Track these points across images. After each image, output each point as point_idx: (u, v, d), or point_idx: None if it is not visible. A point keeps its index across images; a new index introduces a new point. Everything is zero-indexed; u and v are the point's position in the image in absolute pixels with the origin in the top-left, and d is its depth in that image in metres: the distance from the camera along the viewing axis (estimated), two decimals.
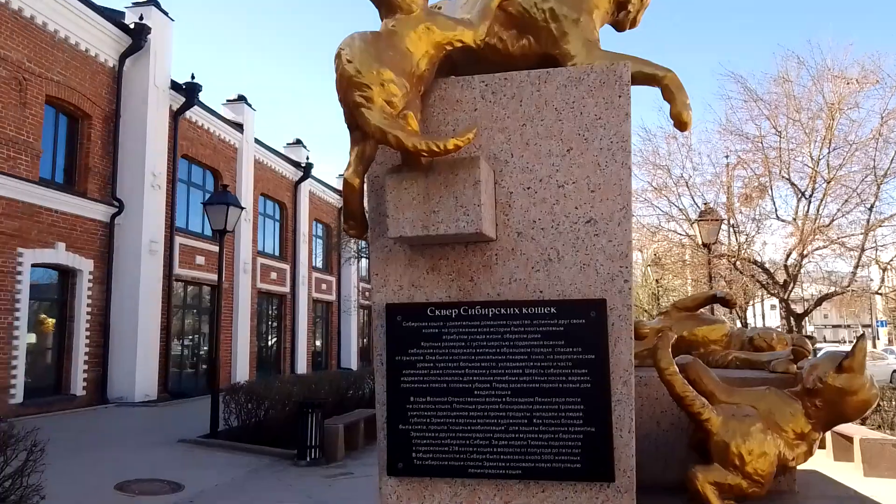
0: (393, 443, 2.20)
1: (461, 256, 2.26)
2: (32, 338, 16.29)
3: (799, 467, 2.48)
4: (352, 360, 31.12)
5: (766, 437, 2.18)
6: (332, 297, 31.86)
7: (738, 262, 17.46)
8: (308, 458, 11.88)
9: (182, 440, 13.25)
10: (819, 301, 16.90)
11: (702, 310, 3.32)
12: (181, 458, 11.94)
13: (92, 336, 17.40)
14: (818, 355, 2.61)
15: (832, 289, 17.30)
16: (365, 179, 2.12)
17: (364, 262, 29.55)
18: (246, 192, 23.31)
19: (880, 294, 17.14)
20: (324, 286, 30.81)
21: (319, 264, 31.04)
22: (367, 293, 32.35)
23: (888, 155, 16.15)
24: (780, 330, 3.35)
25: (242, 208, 14.04)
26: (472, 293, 2.24)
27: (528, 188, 2.23)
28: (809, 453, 2.38)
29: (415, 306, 2.22)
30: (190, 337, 21.86)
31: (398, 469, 2.19)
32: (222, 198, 13.26)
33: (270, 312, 26.59)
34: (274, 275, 25.82)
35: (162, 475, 10.74)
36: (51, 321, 16.87)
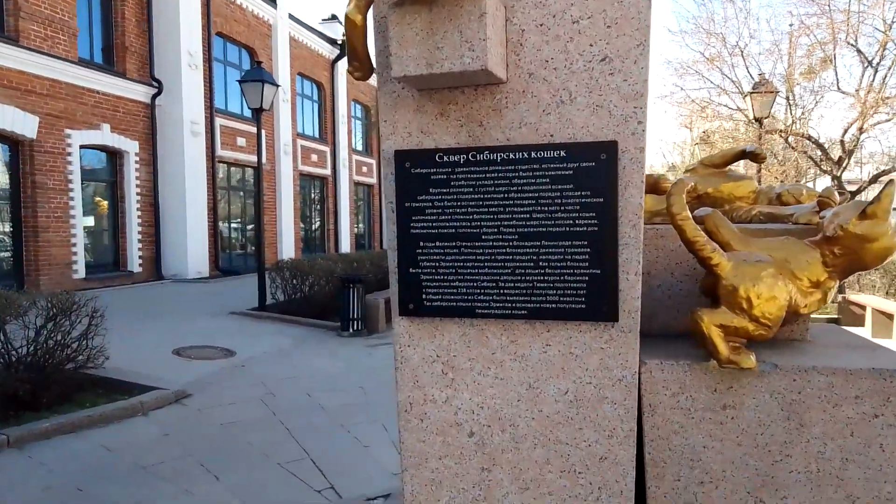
0: (404, 286, 2.26)
1: (470, 100, 2.20)
2: (89, 219, 16.98)
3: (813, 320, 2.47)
4: None
5: (776, 281, 2.15)
6: (373, 180, 31.99)
7: (790, 138, 16.67)
8: (350, 330, 12.51)
9: (233, 312, 14.02)
10: (875, 178, 16.16)
11: (730, 167, 3.20)
12: (232, 329, 12.69)
13: (143, 216, 18.06)
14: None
15: (891, 165, 16.47)
16: (370, 17, 2.04)
17: None
18: (283, 70, 22.99)
19: None
20: (364, 169, 30.88)
21: (359, 146, 30.95)
22: None
23: None
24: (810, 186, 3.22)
25: (278, 86, 13.91)
26: (481, 138, 2.20)
27: (541, 25, 2.12)
28: (823, 301, 2.35)
29: (423, 152, 2.20)
30: (237, 218, 22.47)
31: (409, 310, 2.27)
32: (257, 74, 13.14)
33: (313, 195, 26.97)
34: (315, 157, 25.95)
35: (215, 343, 11.49)
36: (104, 202, 17.50)
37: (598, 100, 2.11)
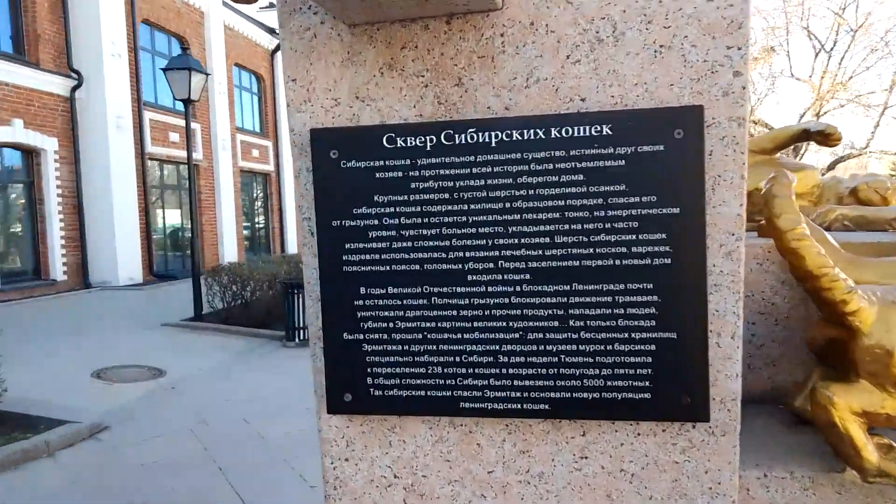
0: (335, 362, 1.32)
1: (439, 41, 1.27)
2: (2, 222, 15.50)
3: None
4: None
5: None
6: None
7: (751, 125, 16.34)
8: (297, 340, 11.52)
9: (166, 324, 12.87)
10: (833, 164, 15.92)
11: (781, 153, 2.37)
12: (164, 343, 11.54)
13: (66, 219, 16.61)
14: None
15: (848, 151, 16.27)
16: None
17: None
18: (217, 61, 21.63)
19: None
20: None
21: None
22: None
23: None
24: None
25: (207, 74, 12.68)
26: (460, 106, 1.27)
27: None
28: None
29: (362, 133, 1.27)
30: (175, 218, 21.16)
31: (345, 403, 1.33)
32: (183, 62, 11.89)
33: (256, 192, 25.73)
34: (256, 152, 24.69)
35: (143, 361, 10.33)
36: (21, 203, 16.00)
37: (662, 36, 1.21)
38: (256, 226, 25.66)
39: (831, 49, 16.39)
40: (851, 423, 1.31)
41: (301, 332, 11.46)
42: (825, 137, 2.18)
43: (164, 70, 12.13)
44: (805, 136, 2.24)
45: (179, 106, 18.73)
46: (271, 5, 25.98)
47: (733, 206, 1.22)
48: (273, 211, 25.88)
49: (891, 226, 1.97)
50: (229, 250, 21.79)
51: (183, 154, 19.39)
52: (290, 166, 26.27)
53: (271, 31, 25.18)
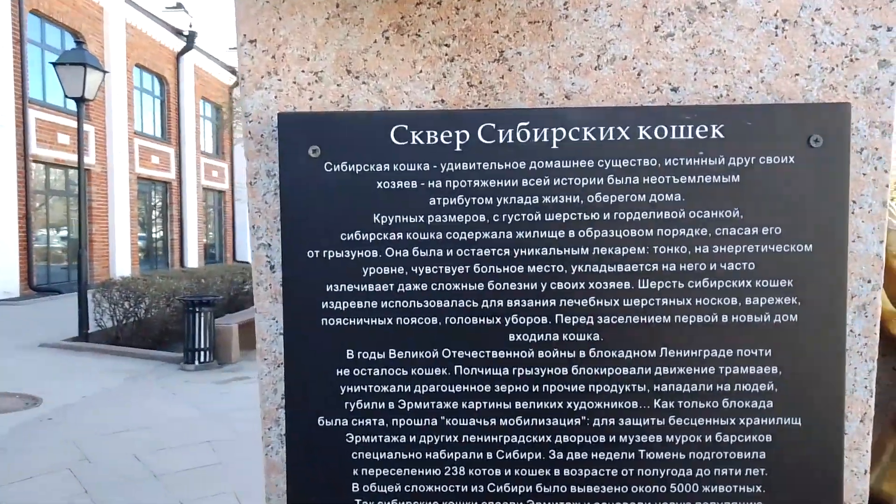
0: (304, 459, 0.88)
1: None
2: None
3: None
4: (248, 254, 29.30)
5: None
6: (226, 186, 29.60)
7: None
8: (197, 363, 10.64)
9: (44, 344, 11.62)
10: None
11: None
12: (42, 366, 10.35)
13: None
14: None
15: None
16: None
17: None
18: (116, 59, 20.26)
19: None
20: (215, 173, 28.44)
21: (209, 149, 28.50)
22: None
23: None
24: None
25: (105, 72, 11.65)
26: (500, 91, 0.89)
27: None
28: None
29: (359, 121, 0.85)
30: (62, 227, 19.47)
31: None
32: (78, 56, 10.84)
33: (154, 201, 24.23)
34: (156, 159, 23.25)
35: (14, 387, 9.17)
36: None
37: (786, 6, 0.88)
38: (154, 237, 24.12)
39: None
40: None
41: (203, 353, 10.62)
42: None
43: (55, 64, 11.00)
44: None
45: (71, 105, 17.29)
46: (179, 5, 24.74)
47: (871, 242, 0.89)
48: (172, 221, 24.40)
49: None
50: (122, 263, 20.27)
51: (73, 157, 17.87)
52: (192, 175, 25.00)
53: (178, 32, 23.93)
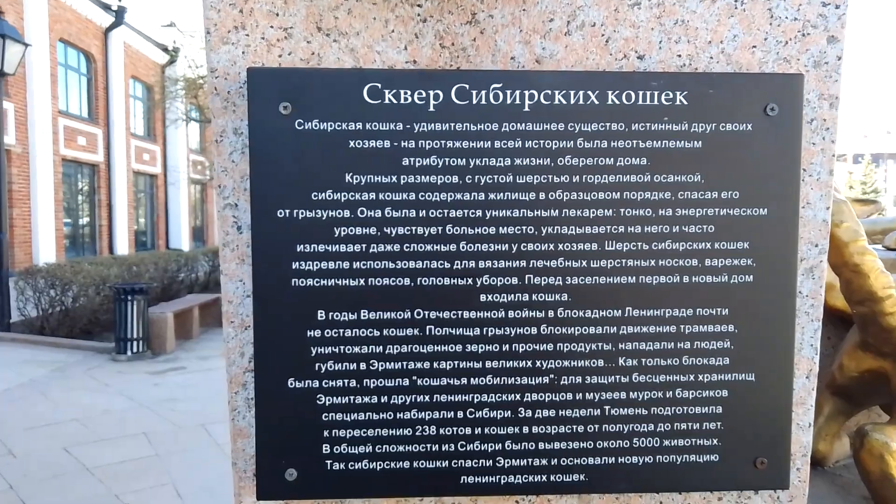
0: (273, 422, 0.87)
1: None
2: None
3: None
4: (182, 241, 28.40)
5: None
6: (158, 169, 28.53)
7: None
8: (129, 353, 10.29)
9: None
10: None
11: None
12: None
13: None
14: None
15: None
16: None
17: (194, 127, 26.30)
18: (37, 33, 19.15)
19: None
20: (146, 156, 27.36)
21: (140, 131, 27.37)
22: (199, 166, 29.24)
23: None
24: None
25: (26, 45, 11.01)
26: (472, 53, 0.89)
27: None
28: None
29: (333, 78, 0.84)
30: None
31: (287, 484, 0.88)
32: None
33: (81, 184, 23.10)
34: (83, 140, 22.15)
35: None
36: None
37: None
38: (80, 223, 23.01)
39: None
40: None
41: (135, 343, 10.26)
42: None
43: None
44: None
45: None
46: None
47: (819, 209, 0.95)
48: (101, 206, 23.34)
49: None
50: (46, 249, 19.27)
51: None
52: (121, 158, 23.94)
53: (105, 6, 22.79)
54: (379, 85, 0.85)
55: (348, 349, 0.87)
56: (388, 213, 0.86)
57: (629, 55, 0.92)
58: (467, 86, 0.86)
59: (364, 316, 0.87)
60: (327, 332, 0.86)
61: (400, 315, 0.87)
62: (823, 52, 0.93)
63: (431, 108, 0.85)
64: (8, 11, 17.97)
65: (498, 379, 0.89)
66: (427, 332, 0.87)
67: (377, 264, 0.86)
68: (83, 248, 22.48)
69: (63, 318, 11.30)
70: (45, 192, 19.77)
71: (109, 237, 23.77)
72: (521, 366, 0.89)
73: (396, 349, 0.87)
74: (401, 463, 0.89)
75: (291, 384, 0.87)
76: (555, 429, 0.90)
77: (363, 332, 0.87)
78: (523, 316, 0.88)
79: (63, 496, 5.56)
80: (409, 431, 0.88)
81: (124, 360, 10.28)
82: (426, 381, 0.88)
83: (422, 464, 0.89)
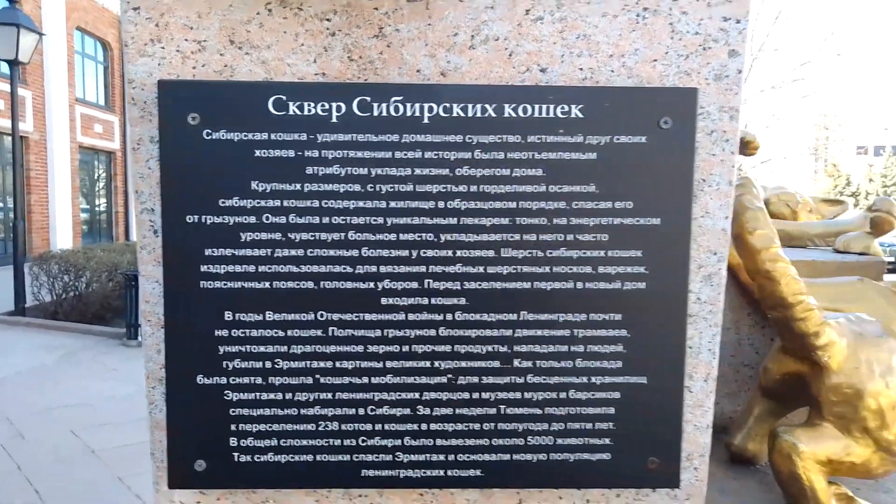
0: (184, 416, 0.92)
1: None
2: None
3: None
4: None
5: None
6: None
7: None
8: (140, 338, 10.44)
9: None
10: None
11: None
12: None
13: None
14: None
15: None
16: None
17: None
18: (54, 21, 19.36)
19: (740, 169, 17.67)
20: None
21: None
22: None
23: (764, 29, 16.18)
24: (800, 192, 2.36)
25: (41, 34, 11.15)
26: (380, 66, 0.93)
27: None
28: None
29: (238, 90, 0.88)
30: None
31: (196, 474, 0.93)
32: (10, 16, 10.34)
33: (98, 172, 23.39)
34: (99, 127, 22.41)
35: None
36: None
37: None
38: (97, 209, 23.31)
39: None
40: (816, 474, 1.13)
41: None
42: (744, 145, 2.06)
43: None
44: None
45: (5, 69, 16.52)
46: None
47: (718, 218, 0.98)
48: (117, 193, 23.65)
49: (813, 242, 1.88)
50: (63, 235, 19.58)
51: (7, 124, 17.12)
52: None
53: None
54: (283, 97, 0.89)
55: (254, 348, 0.92)
56: (293, 220, 0.90)
57: (532, 68, 0.95)
58: (369, 98, 0.90)
59: (269, 317, 0.91)
60: (234, 332, 0.91)
61: (304, 317, 0.91)
62: (724, 65, 0.96)
63: (334, 120, 0.89)
64: (26, 1, 18.21)
65: (398, 378, 0.93)
66: (329, 334, 0.92)
67: (282, 268, 0.91)
68: (99, 234, 22.79)
69: (76, 303, 11.49)
70: (62, 179, 20.06)
71: (125, 224, 24.08)
72: (420, 366, 0.93)
73: (300, 349, 0.92)
74: (304, 456, 0.94)
75: (200, 380, 0.92)
76: (452, 426, 0.94)
77: (268, 333, 0.92)
78: (422, 318, 0.93)
79: (69, 477, 5.72)
80: (312, 427, 0.93)
81: (134, 346, 10.46)
82: (329, 380, 0.93)
83: (324, 457, 0.94)
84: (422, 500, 1.00)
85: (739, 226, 1.13)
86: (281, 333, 0.92)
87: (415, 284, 0.92)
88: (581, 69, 0.95)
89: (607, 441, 0.96)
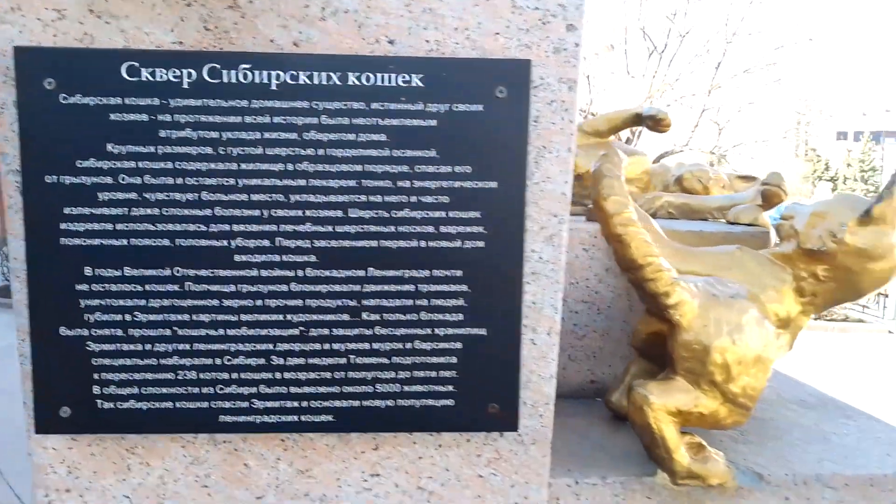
0: (48, 366, 0.99)
1: None
2: None
3: None
4: None
5: (764, 330, 1.26)
6: None
7: (588, 117, 17.26)
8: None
9: None
10: (657, 159, 17.27)
11: (614, 137, 2.32)
12: None
13: None
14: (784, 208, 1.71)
15: (671, 147, 17.75)
16: None
17: None
18: None
19: (713, 153, 17.85)
20: None
21: None
22: None
23: (739, 13, 16.24)
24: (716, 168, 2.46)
25: None
26: (235, 36, 0.98)
27: None
28: (789, 347, 1.52)
29: (92, 57, 0.94)
30: None
31: (62, 420, 1.00)
32: None
33: None
34: None
35: None
36: None
37: None
38: None
39: (662, 51, 17.67)
40: (666, 424, 1.22)
41: None
42: (656, 122, 2.13)
43: None
44: (638, 120, 2.18)
45: None
46: None
47: (558, 182, 1.05)
48: None
49: (712, 215, 1.96)
50: None
51: None
52: None
53: None
54: (136, 63, 0.94)
55: (114, 302, 0.98)
56: (148, 181, 0.96)
57: (381, 40, 1.00)
58: (218, 65, 0.95)
59: (128, 273, 0.97)
60: (94, 287, 0.97)
61: (161, 272, 0.97)
62: (563, 39, 1.02)
63: (185, 86, 0.95)
64: None
65: (252, 330, 1.00)
66: (186, 288, 0.98)
67: (139, 226, 0.96)
68: None
69: None
70: None
71: None
72: (273, 319, 1.00)
73: (158, 303, 0.98)
74: (165, 403, 1.00)
75: (63, 332, 0.98)
76: (305, 375, 1.01)
77: (127, 287, 0.97)
78: (274, 275, 0.99)
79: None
80: (171, 376, 1.00)
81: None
82: (186, 332, 0.99)
83: (184, 404, 1.00)
84: (283, 445, 1.07)
85: (596, 192, 1.19)
86: (139, 288, 0.98)
87: (266, 242, 0.98)
88: (427, 41, 1.01)
89: (450, 388, 1.03)
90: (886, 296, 10.82)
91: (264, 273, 0.99)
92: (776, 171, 1.87)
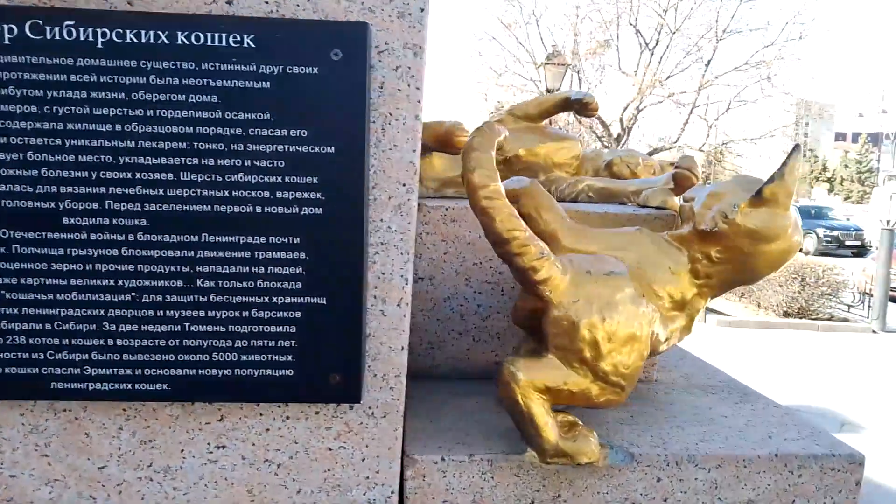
0: None
1: None
2: None
3: None
4: None
5: (637, 309, 1.24)
6: None
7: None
8: None
9: None
10: (648, 155, 17.26)
11: (547, 121, 2.29)
12: None
13: None
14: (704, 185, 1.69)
15: (661, 144, 17.72)
16: None
17: None
18: None
19: (702, 151, 17.83)
20: None
21: None
22: None
23: (729, 11, 16.23)
24: (646, 154, 2.44)
25: None
26: None
27: None
28: (687, 330, 1.50)
29: None
30: None
31: None
32: None
33: None
34: None
35: None
36: None
37: None
38: None
39: (654, 47, 17.64)
40: (534, 400, 1.20)
41: None
42: (583, 106, 2.11)
43: None
44: (567, 103, 2.17)
45: None
46: None
47: (405, 151, 1.03)
48: None
49: (629, 198, 1.94)
50: None
51: None
52: None
53: None
54: None
55: None
56: None
57: (219, 0, 0.98)
58: (40, 21, 0.93)
59: None
60: None
61: None
62: (407, 3, 1.00)
63: (6, 42, 0.93)
64: None
65: (82, 295, 0.98)
66: (13, 251, 0.96)
67: None
68: None
69: None
70: None
71: None
72: (103, 284, 0.98)
73: None
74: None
75: None
76: (137, 342, 0.99)
77: None
78: (104, 238, 0.97)
79: None
80: (0, 341, 0.98)
81: None
82: (15, 296, 0.97)
83: (14, 370, 0.99)
84: (125, 414, 1.05)
85: (464, 165, 1.17)
86: None
87: (95, 206, 0.96)
88: (267, 2, 0.99)
89: (290, 358, 1.01)
90: (871, 295, 10.80)
91: (94, 236, 0.97)
92: (688, 155, 1.84)
